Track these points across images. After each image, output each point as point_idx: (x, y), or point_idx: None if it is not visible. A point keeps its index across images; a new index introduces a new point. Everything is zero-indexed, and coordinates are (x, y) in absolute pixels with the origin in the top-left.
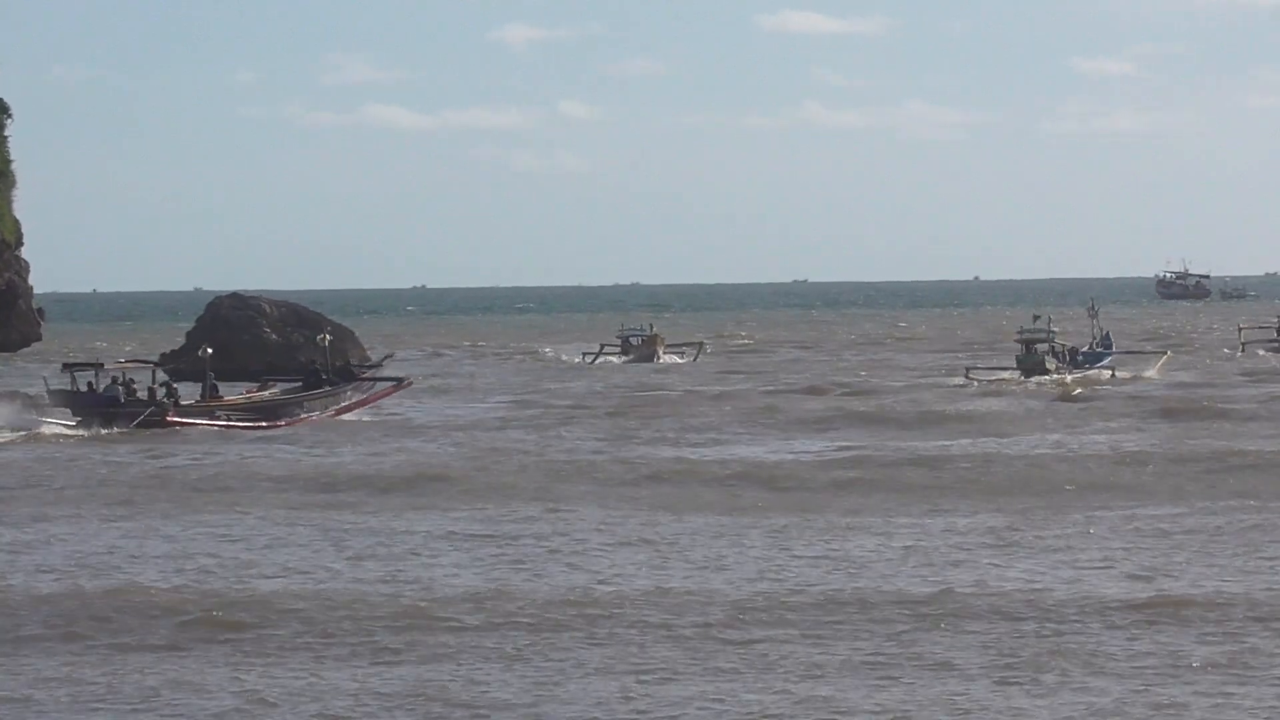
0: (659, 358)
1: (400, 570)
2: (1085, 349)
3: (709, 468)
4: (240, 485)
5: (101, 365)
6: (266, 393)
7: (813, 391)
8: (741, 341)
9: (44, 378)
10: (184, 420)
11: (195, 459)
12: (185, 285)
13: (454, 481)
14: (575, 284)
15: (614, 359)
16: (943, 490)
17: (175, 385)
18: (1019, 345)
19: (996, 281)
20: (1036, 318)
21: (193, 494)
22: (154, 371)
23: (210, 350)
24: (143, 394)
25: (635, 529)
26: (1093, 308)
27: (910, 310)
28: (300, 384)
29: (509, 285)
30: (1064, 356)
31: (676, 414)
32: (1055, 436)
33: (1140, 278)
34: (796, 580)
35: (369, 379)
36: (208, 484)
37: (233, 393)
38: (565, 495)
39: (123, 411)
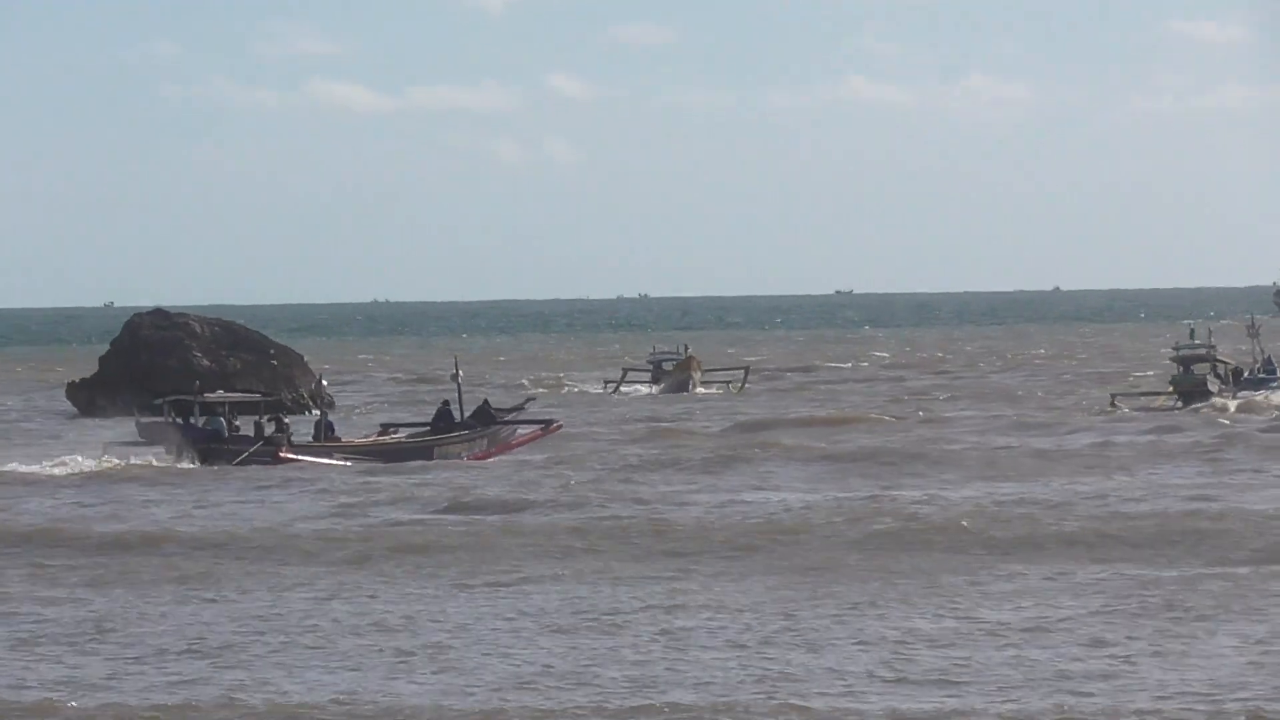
0: (694, 386)
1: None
2: (1247, 372)
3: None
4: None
5: (201, 395)
6: (388, 437)
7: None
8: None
9: (136, 417)
10: (298, 457)
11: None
12: (95, 300)
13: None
14: (571, 297)
15: (641, 388)
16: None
17: (287, 420)
18: (1174, 365)
19: (1081, 292)
20: (1193, 332)
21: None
22: (261, 405)
23: (325, 381)
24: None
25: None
26: (1253, 325)
27: (992, 326)
28: (428, 428)
29: (490, 299)
30: (1228, 378)
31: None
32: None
33: (1256, 286)
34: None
35: (511, 422)
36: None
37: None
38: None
39: (227, 448)
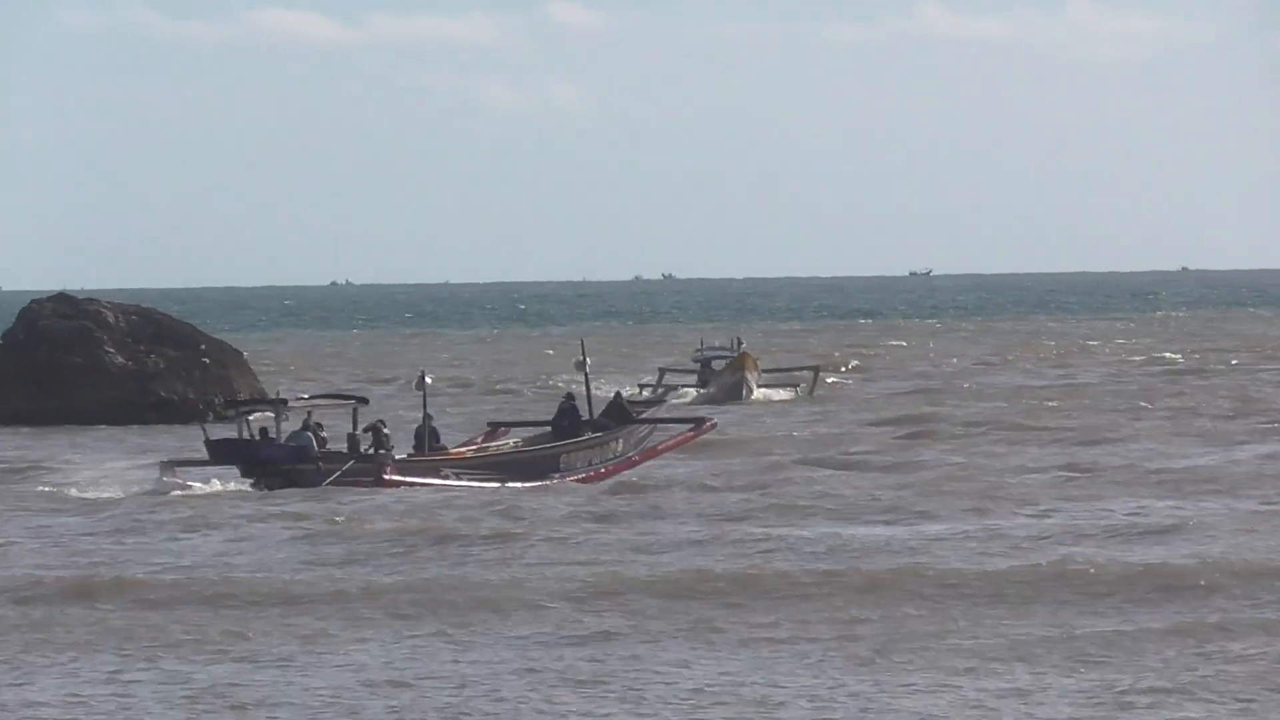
0: (751, 389)
1: None
2: None
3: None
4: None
5: (284, 402)
6: (505, 442)
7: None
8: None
9: (203, 425)
10: (407, 480)
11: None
12: None
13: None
14: (575, 278)
15: (689, 391)
16: None
17: (387, 430)
18: None
19: (1212, 273)
20: None
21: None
22: (355, 412)
23: (429, 379)
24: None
25: None
26: None
27: (1126, 315)
28: (550, 430)
29: (477, 280)
30: None
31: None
32: None
33: None
34: None
35: (652, 420)
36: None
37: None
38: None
39: (317, 468)
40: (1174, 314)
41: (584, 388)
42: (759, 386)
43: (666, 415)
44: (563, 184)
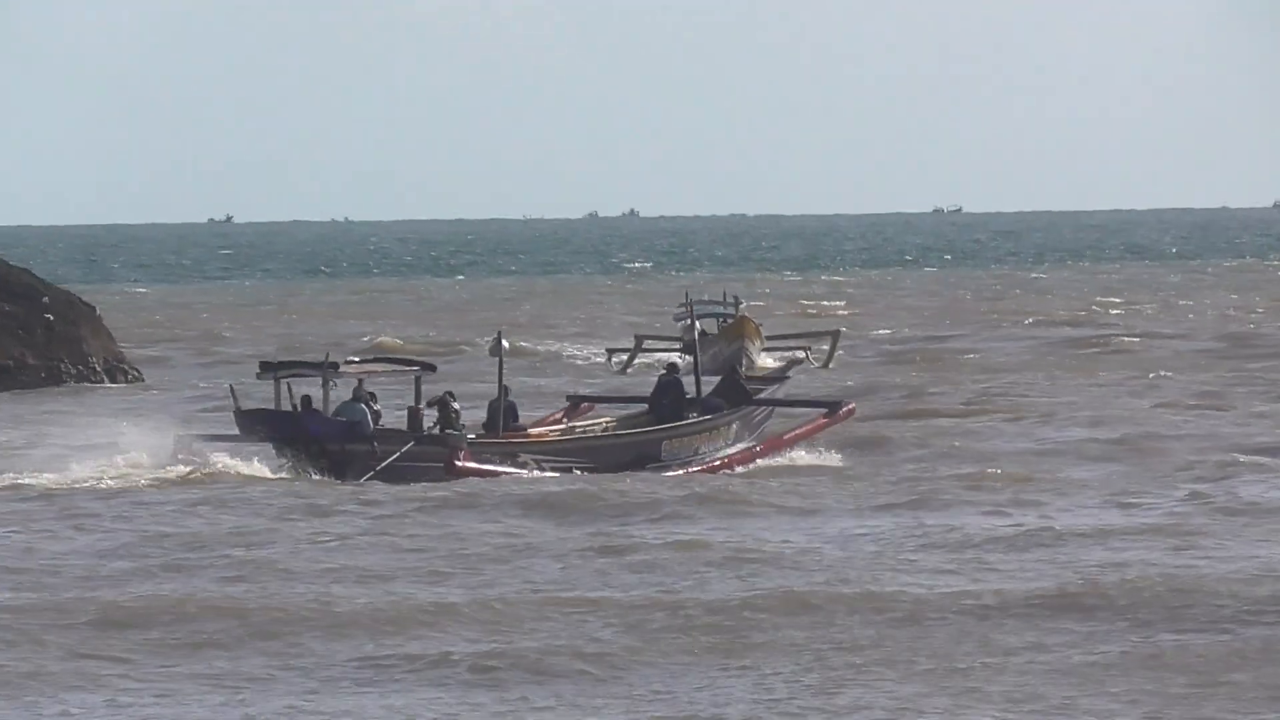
0: (753, 360)
1: None
2: None
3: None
4: None
5: (334, 366)
6: (595, 422)
7: None
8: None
9: (230, 386)
10: (482, 468)
11: None
12: None
13: None
14: (512, 215)
15: (676, 357)
16: None
17: (457, 404)
18: None
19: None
20: None
21: None
22: (418, 380)
23: (505, 342)
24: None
25: None
26: None
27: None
28: (647, 409)
29: (393, 218)
30: None
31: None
32: None
33: None
34: None
35: (774, 402)
36: None
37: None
38: None
39: (371, 449)
40: None
41: (694, 356)
42: (761, 354)
43: (791, 396)
44: (502, 105)
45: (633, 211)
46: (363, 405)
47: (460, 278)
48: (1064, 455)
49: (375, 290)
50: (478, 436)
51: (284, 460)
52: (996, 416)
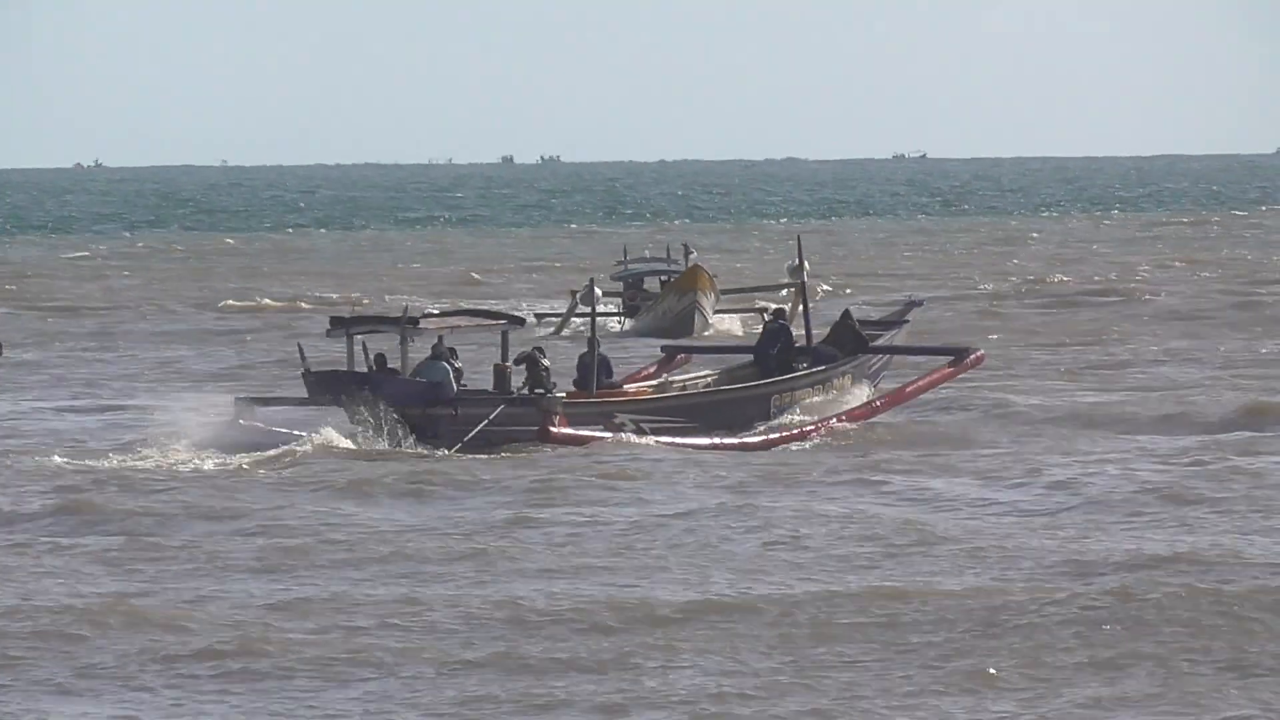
0: (705, 319)
1: None
2: None
3: None
4: None
5: (414, 321)
6: (691, 377)
7: None
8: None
9: (299, 345)
10: (578, 433)
11: None
12: None
13: None
14: (414, 160)
15: (610, 324)
16: None
17: (546, 361)
18: None
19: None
20: None
21: None
22: (504, 336)
23: (599, 290)
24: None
25: None
26: None
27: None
28: (752, 360)
29: (279, 162)
30: None
31: None
32: None
33: None
34: None
35: (893, 350)
36: None
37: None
38: None
39: (454, 412)
40: None
41: (802, 302)
42: (714, 313)
43: (910, 343)
44: (405, 33)
45: (555, 157)
46: (444, 364)
47: (366, 230)
48: None
49: (284, 243)
50: (569, 395)
51: (358, 426)
52: None
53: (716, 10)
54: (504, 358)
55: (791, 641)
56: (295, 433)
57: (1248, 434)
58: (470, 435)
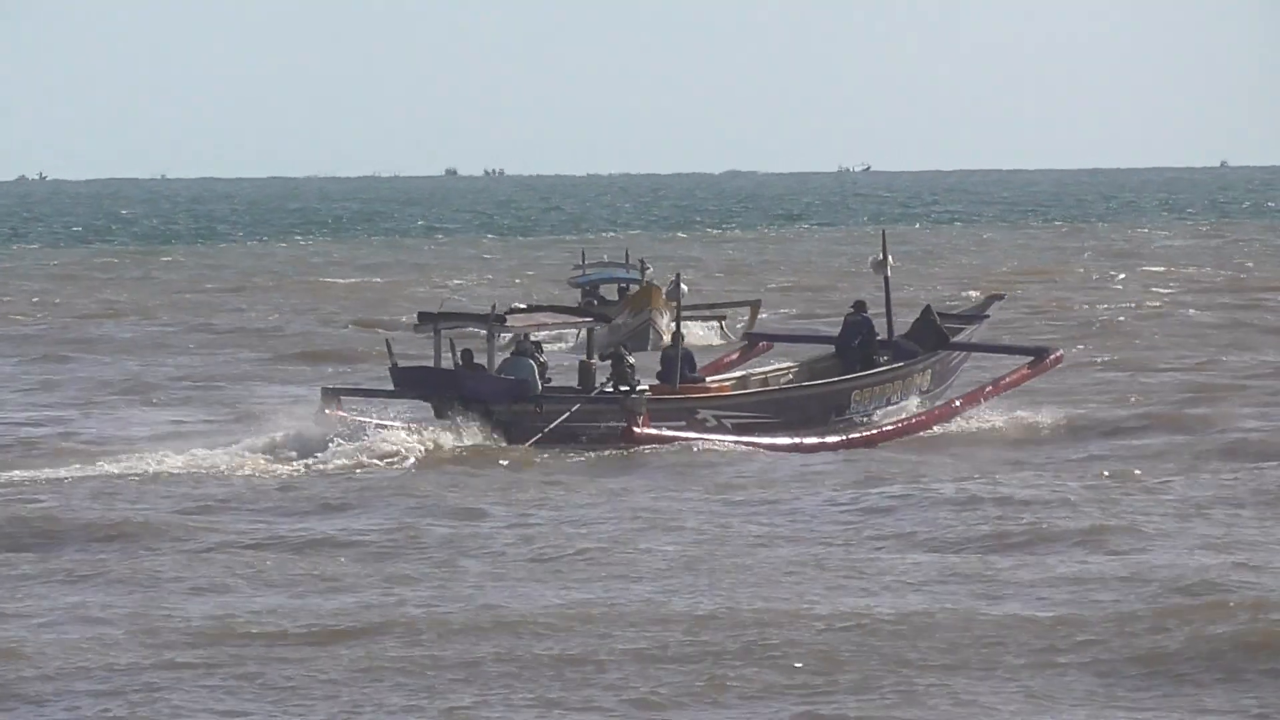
0: (661, 335)
1: None
2: None
3: None
4: None
5: (501, 319)
6: (770, 369)
7: None
8: None
9: (387, 340)
10: (662, 433)
11: None
12: None
13: None
14: (371, 172)
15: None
16: None
17: (632, 359)
18: None
19: (1262, 169)
20: None
21: None
22: (589, 334)
23: (685, 286)
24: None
25: None
26: None
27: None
28: (834, 353)
29: (205, 174)
30: None
31: None
32: None
33: None
34: None
35: (973, 347)
36: None
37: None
38: None
39: (538, 409)
40: None
41: (885, 296)
42: (667, 328)
43: (990, 342)
44: (340, 47)
45: (499, 171)
46: (529, 361)
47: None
48: None
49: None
50: (652, 390)
51: (444, 421)
52: None
53: (661, 22)
54: (589, 355)
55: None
56: (387, 423)
57: None
58: (549, 428)
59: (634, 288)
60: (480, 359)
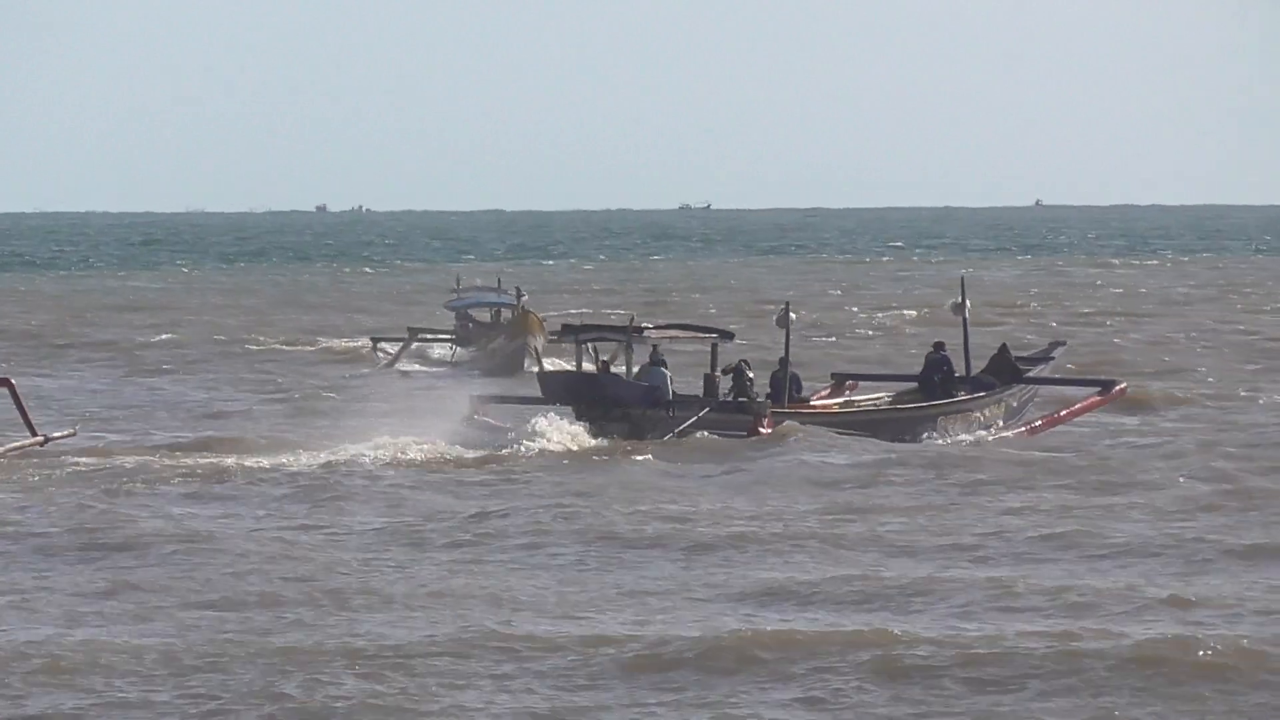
0: (533, 358)
1: None
2: None
3: None
4: None
5: (639, 331)
6: (868, 399)
7: None
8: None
9: (534, 348)
10: (792, 423)
11: None
12: None
13: None
14: (245, 209)
15: (438, 351)
16: None
17: (752, 373)
18: None
19: (1070, 208)
20: None
21: None
22: (714, 348)
23: (792, 314)
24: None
25: None
26: None
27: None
28: (917, 387)
29: (107, 208)
30: None
31: None
32: None
33: None
34: None
35: (1045, 381)
36: None
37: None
38: None
39: (669, 414)
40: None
41: (963, 334)
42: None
43: (1059, 375)
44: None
45: (361, 207)
46: (663, 370)
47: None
48: None
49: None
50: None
51: (583, 423)
52: None
53: (517, 62)
54: (713, 367)
55: None
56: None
57: None
58: (683, 427)
59: (505, 312)
60: (617, 368)
